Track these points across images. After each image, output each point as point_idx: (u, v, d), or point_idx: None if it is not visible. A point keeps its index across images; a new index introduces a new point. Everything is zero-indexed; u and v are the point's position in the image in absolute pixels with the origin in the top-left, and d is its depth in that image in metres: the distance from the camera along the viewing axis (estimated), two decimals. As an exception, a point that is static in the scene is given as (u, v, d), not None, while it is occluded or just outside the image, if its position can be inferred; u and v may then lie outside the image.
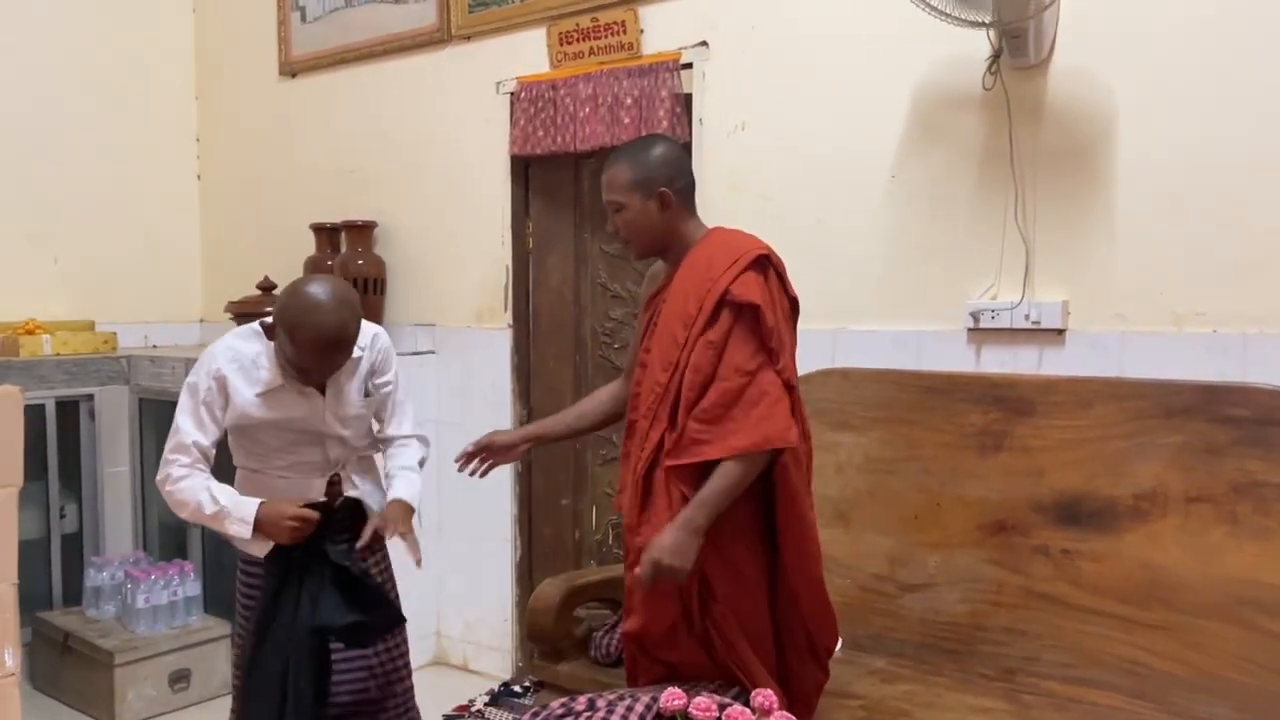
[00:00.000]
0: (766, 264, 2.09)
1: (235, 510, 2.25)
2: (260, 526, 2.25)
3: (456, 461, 2.45)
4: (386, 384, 2.46)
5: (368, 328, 2.38)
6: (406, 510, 2.42)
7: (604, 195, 2.22)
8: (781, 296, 2.11)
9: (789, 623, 2.12)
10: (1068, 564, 2.37)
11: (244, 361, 2.29)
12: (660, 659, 2.13)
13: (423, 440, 2.56)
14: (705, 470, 2.01)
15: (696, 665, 2.10)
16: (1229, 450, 2.25)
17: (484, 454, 2.45)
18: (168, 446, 2.31)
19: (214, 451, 2.34)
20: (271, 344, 2.28)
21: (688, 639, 2.09)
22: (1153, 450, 2.33)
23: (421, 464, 2.53)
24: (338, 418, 2.36)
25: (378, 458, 2.57)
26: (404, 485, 2.45)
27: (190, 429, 2.29)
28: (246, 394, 2.29)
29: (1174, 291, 2.49)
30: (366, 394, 2.41)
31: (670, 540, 1.96)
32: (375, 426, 2.50)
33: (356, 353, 2.34)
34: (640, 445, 2.11)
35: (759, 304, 2.01)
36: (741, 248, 2.10)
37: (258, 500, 2.28)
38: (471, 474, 2.47)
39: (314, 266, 4.01)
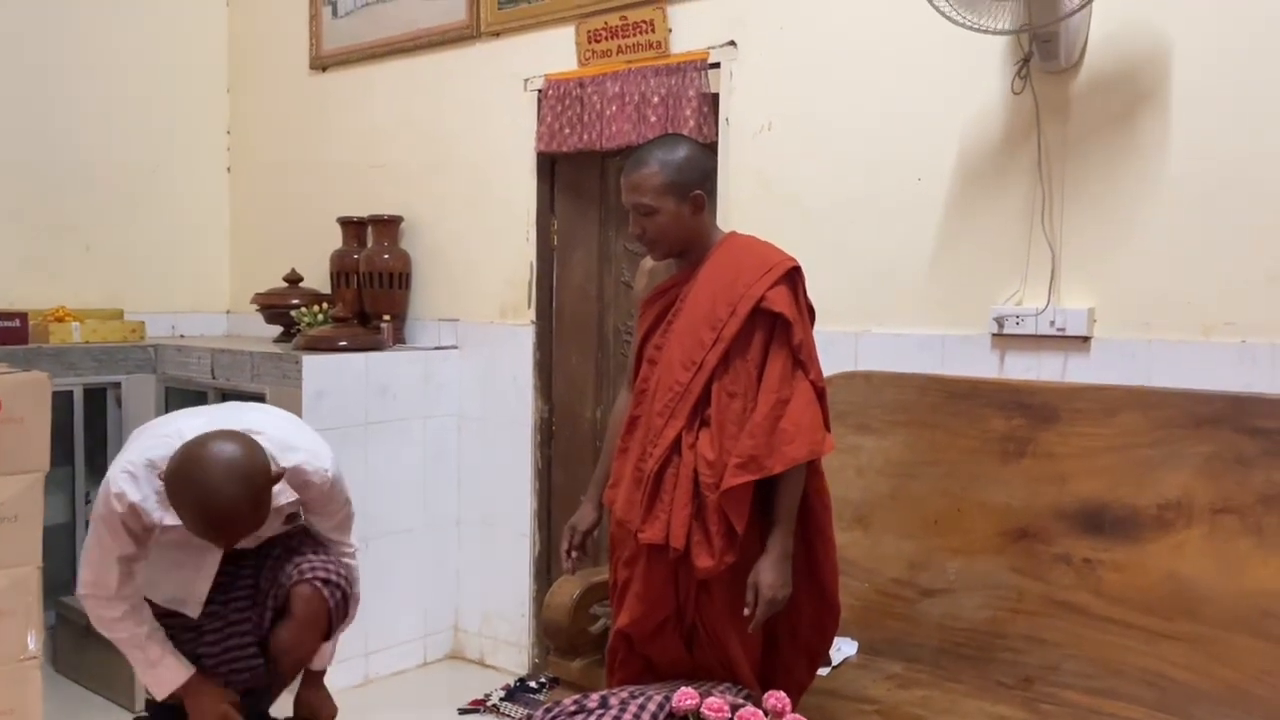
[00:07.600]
0: (797, 277, 2.13)
1: (162, 666, 2.21)
2: (181, 698, 2.23)
3: (566, 564, 2.36)
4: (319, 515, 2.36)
5: (306, 470, 2.22)
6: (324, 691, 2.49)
7: (629, 198, 2.16)
8: (806, 307, 2.16)
9: (796, 617, 2.14)
10: (1090, 573, 2.35)
11: (148, 500, 2.10)
12: (641, 654, 2.15)
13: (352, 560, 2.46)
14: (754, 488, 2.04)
15: (676, 662, 2.13)
16: (1257, 461, 2.22)
17: (579, 542, 2.36)
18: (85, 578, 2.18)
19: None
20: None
21: (673, 634, 2.12)
22: (1179, 460, 2.31)
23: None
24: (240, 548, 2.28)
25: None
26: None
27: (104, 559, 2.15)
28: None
29: (1202, 300, 2.46)
30: (289, 519, 2.34)
31: (776, 576, 2.03)
32: (307, 520, 2.39)
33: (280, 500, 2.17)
34: (652, 441, 2.11)
35: (792, 318, 2.06)
36: (772, 258, 2.13)
37: (188, 672, 2.23)
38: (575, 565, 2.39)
39: (340, 259, 4.04)
